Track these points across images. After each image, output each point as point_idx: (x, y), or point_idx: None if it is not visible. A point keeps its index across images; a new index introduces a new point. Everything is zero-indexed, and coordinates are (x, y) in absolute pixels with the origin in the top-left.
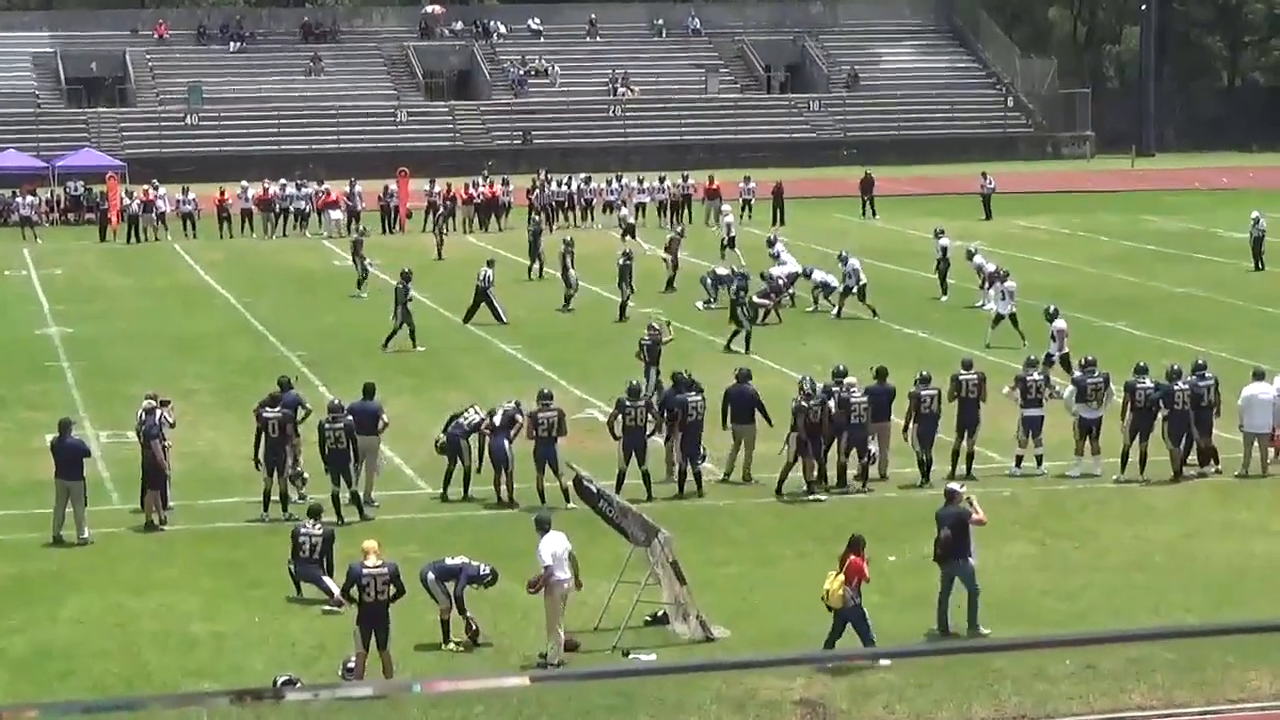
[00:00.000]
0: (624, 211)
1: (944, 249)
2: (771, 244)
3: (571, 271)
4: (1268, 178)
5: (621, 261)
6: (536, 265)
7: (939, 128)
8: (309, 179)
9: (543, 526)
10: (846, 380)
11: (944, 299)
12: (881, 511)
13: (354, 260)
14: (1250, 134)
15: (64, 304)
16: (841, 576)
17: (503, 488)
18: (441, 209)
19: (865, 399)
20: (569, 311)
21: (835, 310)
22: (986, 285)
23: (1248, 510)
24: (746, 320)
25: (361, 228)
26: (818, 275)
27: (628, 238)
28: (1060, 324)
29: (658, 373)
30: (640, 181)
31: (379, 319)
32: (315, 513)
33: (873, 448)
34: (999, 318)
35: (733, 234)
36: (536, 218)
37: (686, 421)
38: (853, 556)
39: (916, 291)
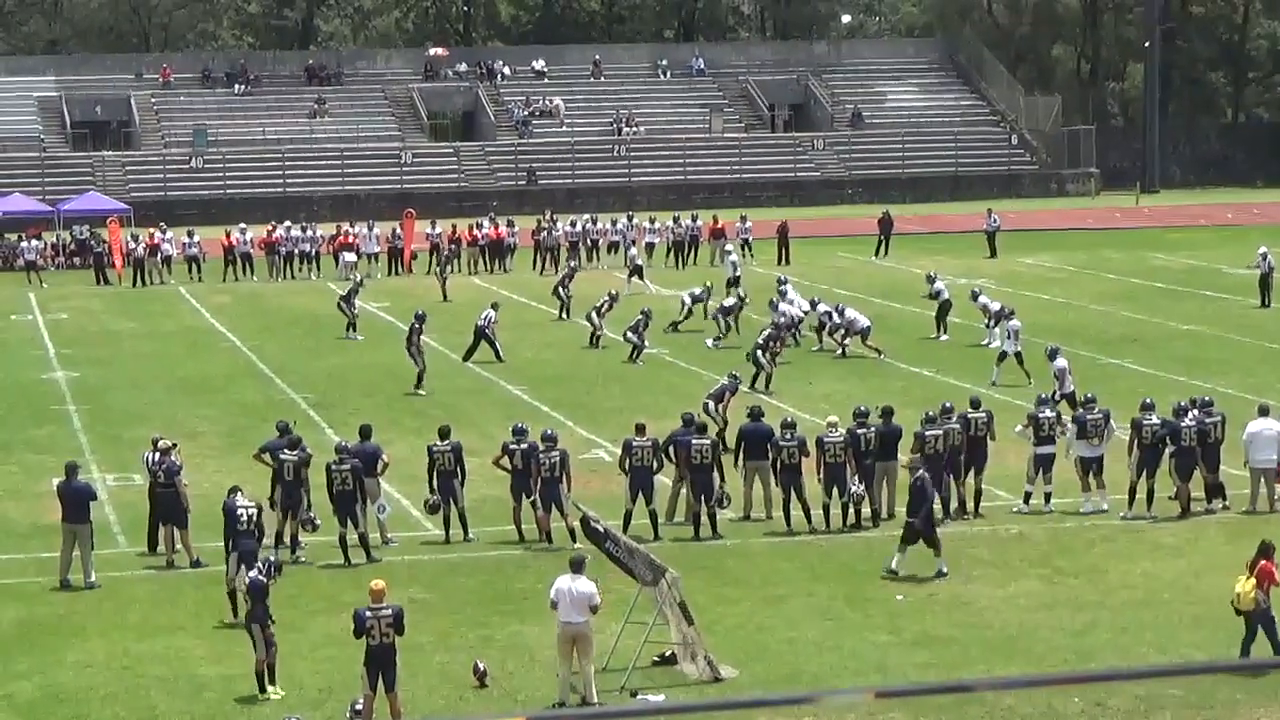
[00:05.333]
0: (632, 252)
1: (938, 293)
2: (782, 283)
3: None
4: (1273, 213)
5: (639, 318)
6: (562, 308)
7: (943, 166)
8: (314, 221)
9: (570, 566)
10: (828, 420)
11: (944, 338)
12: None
13: (343, 305)
14: (1255, 170)
15: (70, 348)
16: (1252, 580)
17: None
18: (447, 251)
19: (842, 438)
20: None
21: (839, 350)
22: (993, 324)
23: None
24: (767, 361)
25: (359, 277)
26: (822, 307)
27: (634, 279)
28: (1060, 363)
29: None
30: (652, 221)
31: (384, 360)
32: (340, 450)
33: (857, 488)
34: (1003, 355)
35: (738, 273)
36: (574, 263)
37: (694, 464)
38: (1263, 561)
39: (922, 330)
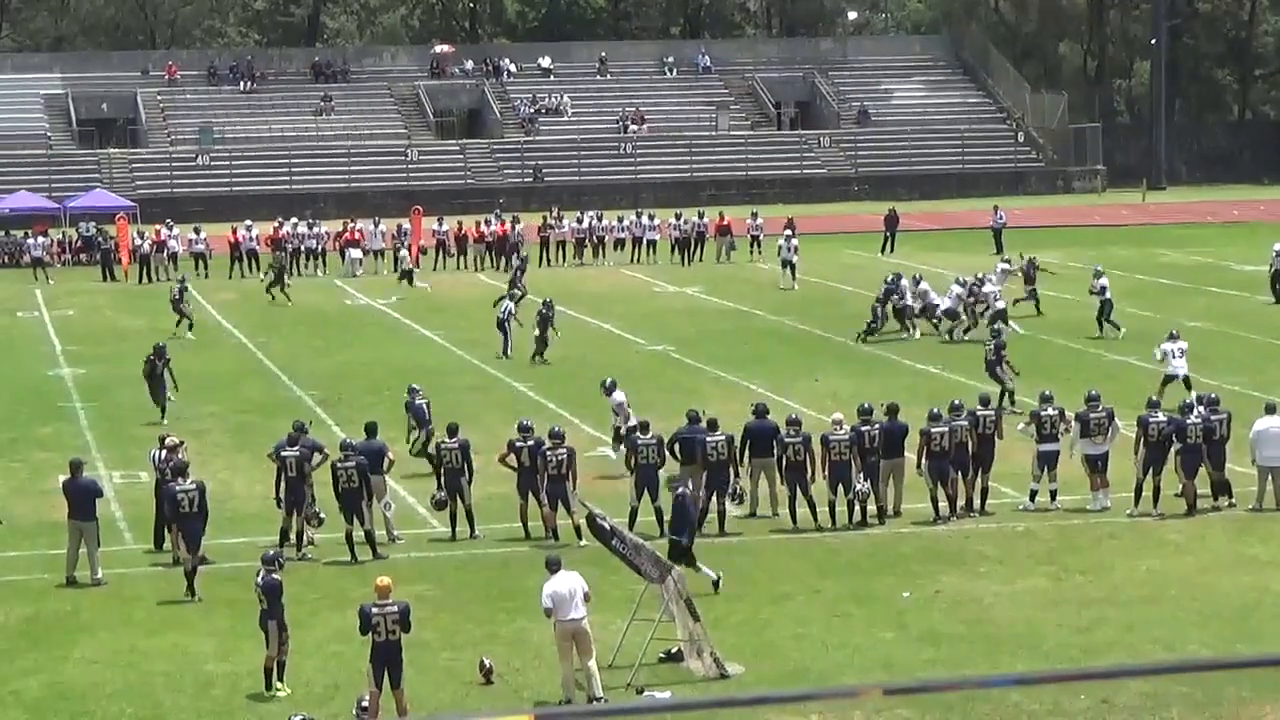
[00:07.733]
0: (402, 254)
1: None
2: (1007, 258)
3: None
4: (1279, 210)
5: (542, 310)
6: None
7: (950, 163)
8: (319, 218)
9: (550, 567)
10: (833, 417)
11: (946, 339)
12: (895, 548)
13: (174, 307)
14: (1261, 167)
15: (76, 345)
16: None
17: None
18: (280, 256)
19: (847, 436)
20: (538, 364)
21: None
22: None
23: (1262, 544)
24: (1007, 377)
25: (181, 276)
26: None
27: (403, 283)
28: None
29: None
30: (651, 218)
31: (390, 358)
32: (345, 447)
33: (862, 485)
34: (1170, 378)
35: (794, 259)
36: (524, 254)
37: (710, 460)
38: None
39: (928, 328)
